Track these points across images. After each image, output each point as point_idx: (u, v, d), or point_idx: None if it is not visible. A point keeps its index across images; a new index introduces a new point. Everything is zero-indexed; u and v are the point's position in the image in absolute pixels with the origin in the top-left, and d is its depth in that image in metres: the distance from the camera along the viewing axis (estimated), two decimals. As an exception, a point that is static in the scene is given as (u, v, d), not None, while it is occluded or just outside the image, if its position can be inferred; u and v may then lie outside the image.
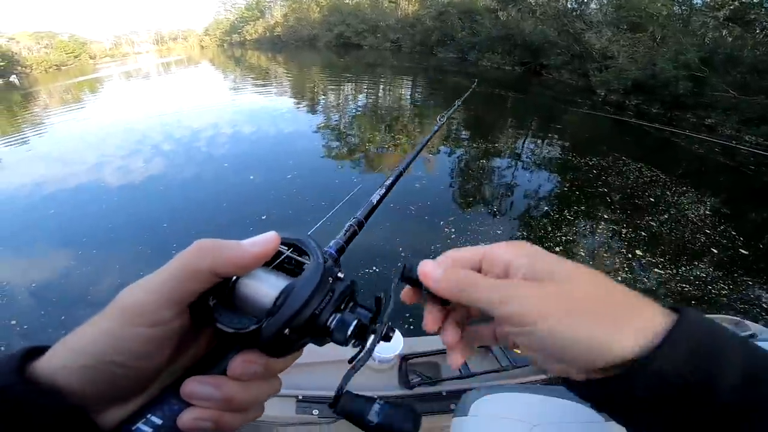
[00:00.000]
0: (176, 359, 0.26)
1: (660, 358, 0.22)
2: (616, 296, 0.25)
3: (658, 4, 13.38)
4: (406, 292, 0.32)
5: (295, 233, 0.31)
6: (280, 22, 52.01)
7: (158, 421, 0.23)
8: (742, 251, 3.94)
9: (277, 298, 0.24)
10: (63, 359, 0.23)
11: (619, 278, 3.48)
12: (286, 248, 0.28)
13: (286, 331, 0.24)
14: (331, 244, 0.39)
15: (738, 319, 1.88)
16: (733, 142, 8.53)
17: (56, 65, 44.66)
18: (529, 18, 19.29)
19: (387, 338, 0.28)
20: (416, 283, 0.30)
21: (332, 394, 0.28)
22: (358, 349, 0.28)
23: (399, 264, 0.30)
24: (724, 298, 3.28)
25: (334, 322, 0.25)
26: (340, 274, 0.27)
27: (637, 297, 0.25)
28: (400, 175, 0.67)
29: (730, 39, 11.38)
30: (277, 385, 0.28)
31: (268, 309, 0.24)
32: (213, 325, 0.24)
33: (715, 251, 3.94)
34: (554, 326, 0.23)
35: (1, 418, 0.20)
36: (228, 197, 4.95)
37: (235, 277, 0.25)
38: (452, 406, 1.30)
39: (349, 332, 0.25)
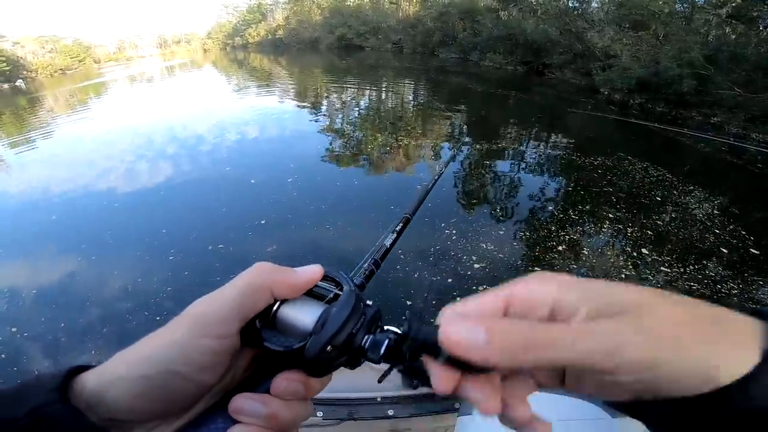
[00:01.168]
0: (219, 381, 0.26)
1: (763, 376, 0.19)
2: (700, 311, 0.22)
3: (660, 2, 13.31)
4: (440, 376, 0.22)
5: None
6: (282, 24, 52.29)
7: None
8: (753, 251, 3.87)
9: (318, 320, 0.26)
10: (120, 370, 0.23)
11: (623, 275, 3.47)
12: (324, 279, 0.30)
13: (329, 348, 0.25)
14: (354, 279, 0.41)
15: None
16: (731, 138, 8.41)
17: (61, 69, 45.03)
18: (530, 17, 19.26)
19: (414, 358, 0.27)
20: (432, 350, 0.22)
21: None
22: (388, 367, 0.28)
23: (403, 317, 0.26)
24: (735, 298, 3.23)
25: (368, 343, 0.27)
26: (368, 302, 0.29)
27: (716, 308, 0.22)
28: (408, 221, 0.71)
29: (734, 37, 11.28)
30: (310, 410, 0.28)
31: (311, 330, 0.26)
32: (260, 345, 0.26)
33: (725, 251, 3.87)
34: (671, 359, 0.19)
35: None
36: (228, 201, 4.92)
37: (278, 304, 0.27)
38: (457, 405, 1.27)
39: (382, 351, 0.26)
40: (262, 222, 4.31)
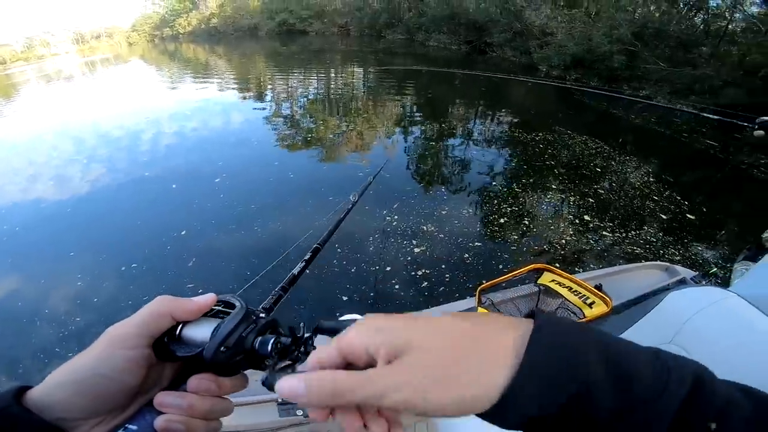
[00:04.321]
0: (148, 390, 0.32)
1: (523, 384, 0.23)
2: (473, 337, 0.25)
3: (590, -20, 13.72)
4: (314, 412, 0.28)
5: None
6: (216, 12, 48.53)
7: (134, 427, 0.30)
8: (689, 216, 3.90)
9: (213, 330, 0.32)
10: (58, 379, 0.29)
11: (564, 241, 3.49)
12: (220, 304, 0.35)
13: (222, 349, 0.31)
14: (263, 304, 0.55)
15: (667, 264, 1.92)
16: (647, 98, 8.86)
17: None
18: (472, -3, 19.23)
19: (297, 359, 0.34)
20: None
21: None
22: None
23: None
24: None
25: (257, 343, 0.32)
26: (262, 315, 0.35)
27: (494, 324, 0.26)
28: (318, 251, 0.75)
29: (657, 14, 11.89)
30: (229, 405, 0.34)
31: (208, 338, 0.32)
32: (172, 357, 0.32)
33: (664, 217, 3.87)
34: (433, 397, 0.23)
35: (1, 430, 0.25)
36: (144, 212, 4.22)
37: (181, 325, 0.33)
38: None
39: (269, 348, 0.32)
40: (183, 233, 3.70)
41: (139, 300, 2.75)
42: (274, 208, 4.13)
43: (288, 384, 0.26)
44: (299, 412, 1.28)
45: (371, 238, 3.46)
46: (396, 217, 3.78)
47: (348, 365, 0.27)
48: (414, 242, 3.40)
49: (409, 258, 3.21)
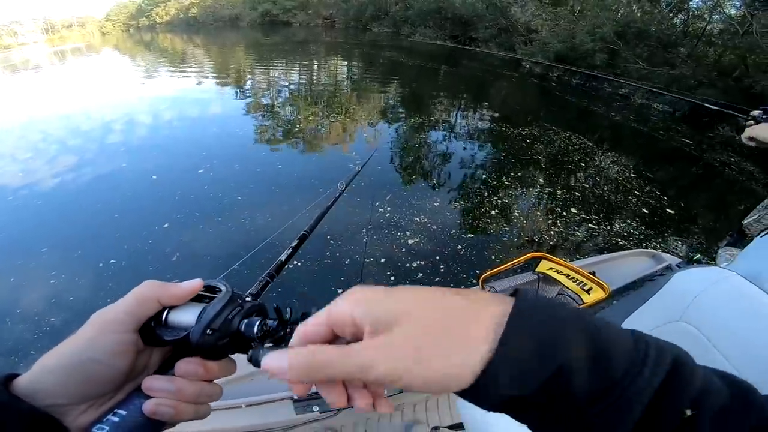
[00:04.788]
0: (137, 375, 0.32)
1: (501, 364, 0.23)
2: (455, 314, 0.25)
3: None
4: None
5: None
6: (196, 2, 47.02)
7: (124, 412, 0.30)
8: (669, 210, 4.03)
9: (199, 314, 0.32)
10: (47, 365, 0.28)
11: (553, 232, 3.55)
12: (206, 289, 0.35)
13: (208, 331, 0.31)
14: (249, 290, 0.49)
15: (654, 251, 1.96)
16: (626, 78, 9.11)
17: None
18: (458, -9, 19.25)
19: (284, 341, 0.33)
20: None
21: None
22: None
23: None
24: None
25: (243, 325, 0.32)
26: (248, 299, 0.35)
27: (476, 302, 0.25)
28: (305, 237, 0.75)
29: (639, 14, 12.19)
30: (218, 390, 0.34)
31: (194, 322, 0.32)
32: (159, 341, 0.32)
33: (646, 211, 3.98)
34: (414, 374, 0.23)
35: None
36: (122, 205, 3.98)
37: (167, 310, 0.33)
38: None
39: (255, 330, 0.32)
40: (165, 226, 3.51)
41: (119, 297, 2.62)
42: (262, 198, 4.01)
43: (272, 359, 0.26)
44: (315, 408, 1.28)
45: (364, 230, 3.42)
46: (389, 208, 3.75)
47: (336, 337, 0.27)
48: (407, 233, 3.40)
49: (404, 249, 3.19)
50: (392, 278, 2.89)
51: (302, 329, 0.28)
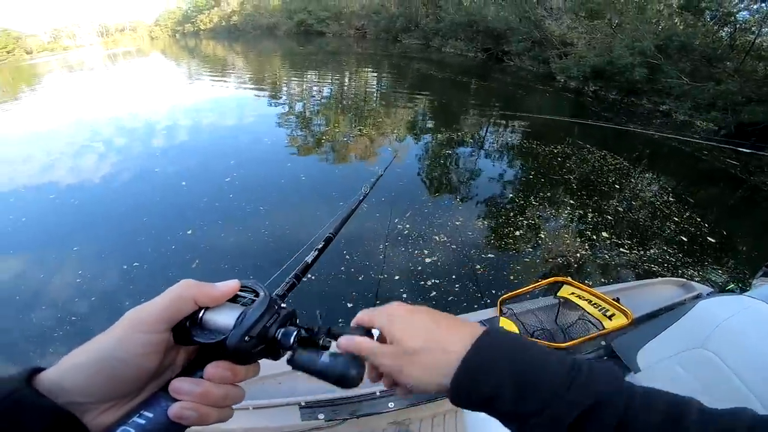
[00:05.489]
0: (161, 374, 0.32)
1: (459, 387, 0.33)
2: (442, 332, 0.36)
3: (615, -9, 13.53)
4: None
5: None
6: (237, 10, 49.25)
7: (150, 414, 0.29)
8: (710, 239, 3.81)
9: (238, 318, 0.32)
10: (74, 362, 0.28)
11: (579, 255, 3.48)
12: (243, 289, 0.35)
13: (246, 338, 0.31)
14: (276, 291, 0.55)
15: (684, 281, 1.92)
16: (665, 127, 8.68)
17: None
18: (491, 4, 19.17)
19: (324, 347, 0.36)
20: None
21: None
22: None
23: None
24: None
25: (280, 334, 0.33)
26: (283, 305, 0.36)
27: (454, 332, 0.36)
28: (330, 240, 0.76)
29: (682, 27, 11.65)
30: (242, 393, 0.34)
31: (232, 326, 0.32)
32: (192, 342, 0.32)
33: (685, 239, 3.79)
34: (403, 377, 0.36)
35: (10, 417, 0.25)
36: (151, 209, 4.22)
37: (203, 310, 0.33)
38: None
39: (291, 340, 0.33)
40: (189, 232, 3.69)
41: (137, 301, 2.68)
42: (284, 210, 4.11)
43: (346, 339, 0.37)
44: (321, 416, 1.30)
45: (381, 247, 3.44)
46: (407, 225, 3.76)
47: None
48: (425, 252, 3.38)
49: (419, 267, 3.18)
50: (404, 295, 2.89)
51: (358, 317, 0.41)
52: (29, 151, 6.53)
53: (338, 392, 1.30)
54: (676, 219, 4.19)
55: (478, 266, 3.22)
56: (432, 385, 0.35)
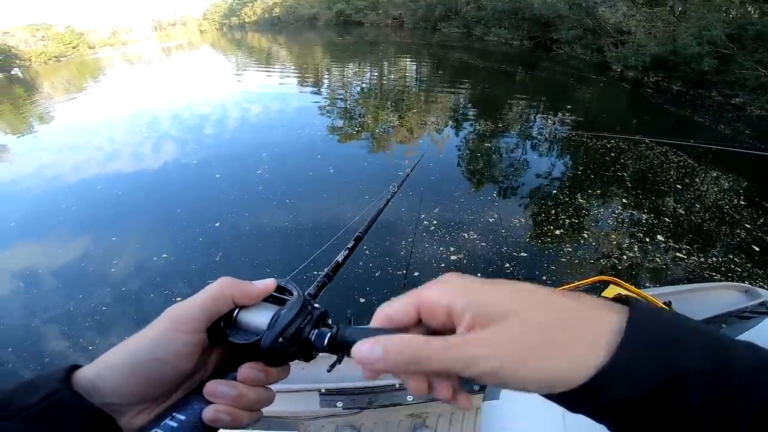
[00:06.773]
0: (193, 375, 0.31)
1: (615, 368, 0.22)
2: (570, 315, 0.23)
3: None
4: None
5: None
6: (279, 2, 50.36)
7: (182, 417, 0.29)
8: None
9: (272, 319, 0.31)
10: (111, 360, 0.28)
11: (625, 257, 3.25)
12: (276, 289, 0.35)
13: (280, 339, 0.30)
14: (308, 290, 0.52)
15: (748, 286, 1.74)
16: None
17: (55, 57, 42.99)
18: (538, -10, 18.11)
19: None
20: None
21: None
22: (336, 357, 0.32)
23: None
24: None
25: (313, 336, 0.31)
26: (316, 305, 0.34)
27: (589, 306, 0.24)
28: (360, 238, 0.75)
29: (756, 16, 10.42)
30: (272, 395, 0.33)
31: (266, 327, 0.31)
32: (226, 342, 0.31)
33: (756, 248, 3.38)
34: (518, 373, 0.22)
35: (51, 417, 0.25)
36: (184, 200, 4.37)
37: (237, 310, 0.32)
38: (476, 387, 1.22)
39: (325, 342, 0.31)
40: (216, 225, 3.77)
41: (157, 295, 2.78)
42: (310, 204, 4.08)
43: (365, 347, 0.25)
44: (339, 404, 1.30)
45: (403, 243, 3.32)
46: (435, 221, 3.62)
47: (418, 321, 0.26)
48: (452, 249, 3.25)
49: (443, 264, 3.06)
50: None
51: (386, 310, 0.27)
52: (90, 139, 7.09)
53: (358, 382, 1.32)
54: (747, 225, 3.75)
55: (507, 264, 3.07)
56: (562, 381, 0.22)
